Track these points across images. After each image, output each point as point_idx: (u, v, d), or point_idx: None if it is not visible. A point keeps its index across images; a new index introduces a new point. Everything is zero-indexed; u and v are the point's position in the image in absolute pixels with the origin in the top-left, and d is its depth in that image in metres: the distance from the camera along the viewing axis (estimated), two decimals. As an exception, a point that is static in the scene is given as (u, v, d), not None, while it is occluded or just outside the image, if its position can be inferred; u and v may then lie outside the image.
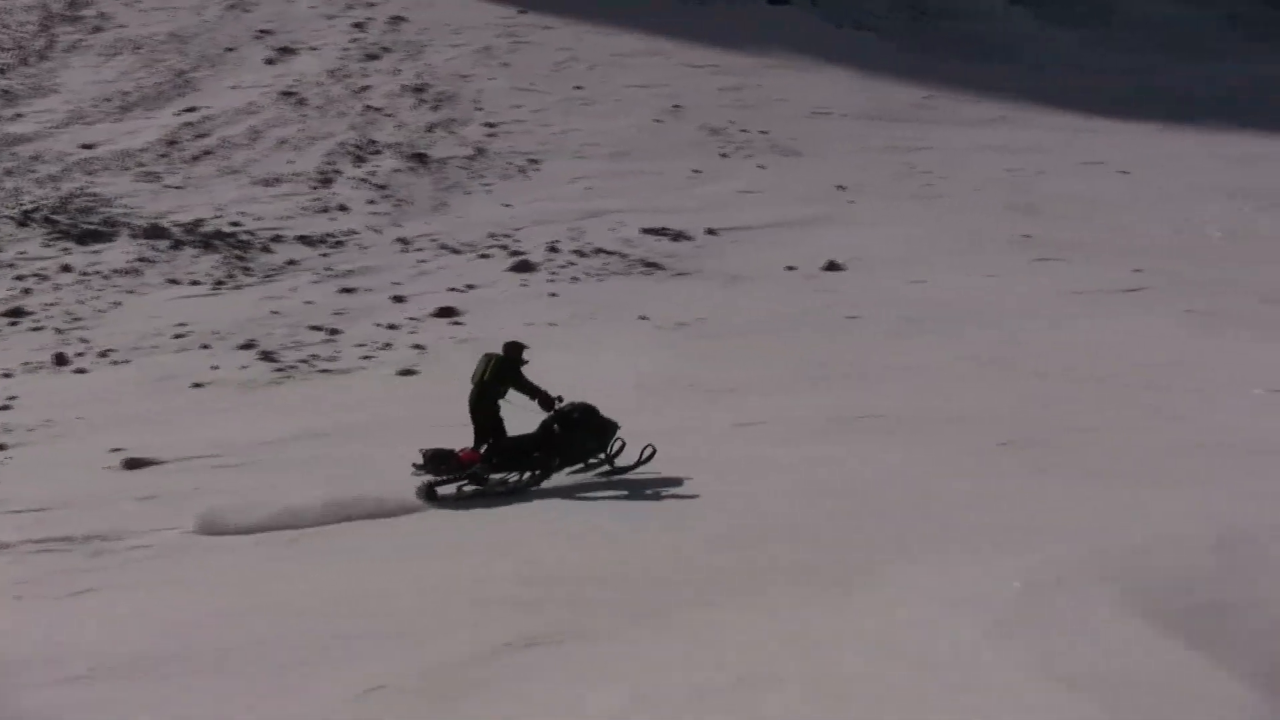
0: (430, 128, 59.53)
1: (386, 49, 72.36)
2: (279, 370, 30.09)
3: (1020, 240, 44.70)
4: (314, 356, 31.02)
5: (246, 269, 39.53)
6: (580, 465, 19.21)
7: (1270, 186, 58.04)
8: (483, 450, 18.63)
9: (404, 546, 16.14)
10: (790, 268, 39.95)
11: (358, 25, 74.86)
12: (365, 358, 30.78)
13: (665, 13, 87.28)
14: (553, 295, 36.71)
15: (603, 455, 18.93)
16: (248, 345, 31.84)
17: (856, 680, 9.79)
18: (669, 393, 24.56)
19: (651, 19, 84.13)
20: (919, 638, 10.39)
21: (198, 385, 28.72)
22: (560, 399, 18.80)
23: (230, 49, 69.95)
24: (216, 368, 30.02)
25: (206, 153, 54.19)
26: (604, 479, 19.08)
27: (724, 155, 59.16)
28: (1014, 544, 12.91)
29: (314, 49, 70.64)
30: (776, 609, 11.86)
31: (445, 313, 34.71)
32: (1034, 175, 58.73)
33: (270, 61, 68.59)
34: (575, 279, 38.85)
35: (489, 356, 19.07)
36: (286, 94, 62.87)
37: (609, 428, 18.79)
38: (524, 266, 39.78)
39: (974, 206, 51.69)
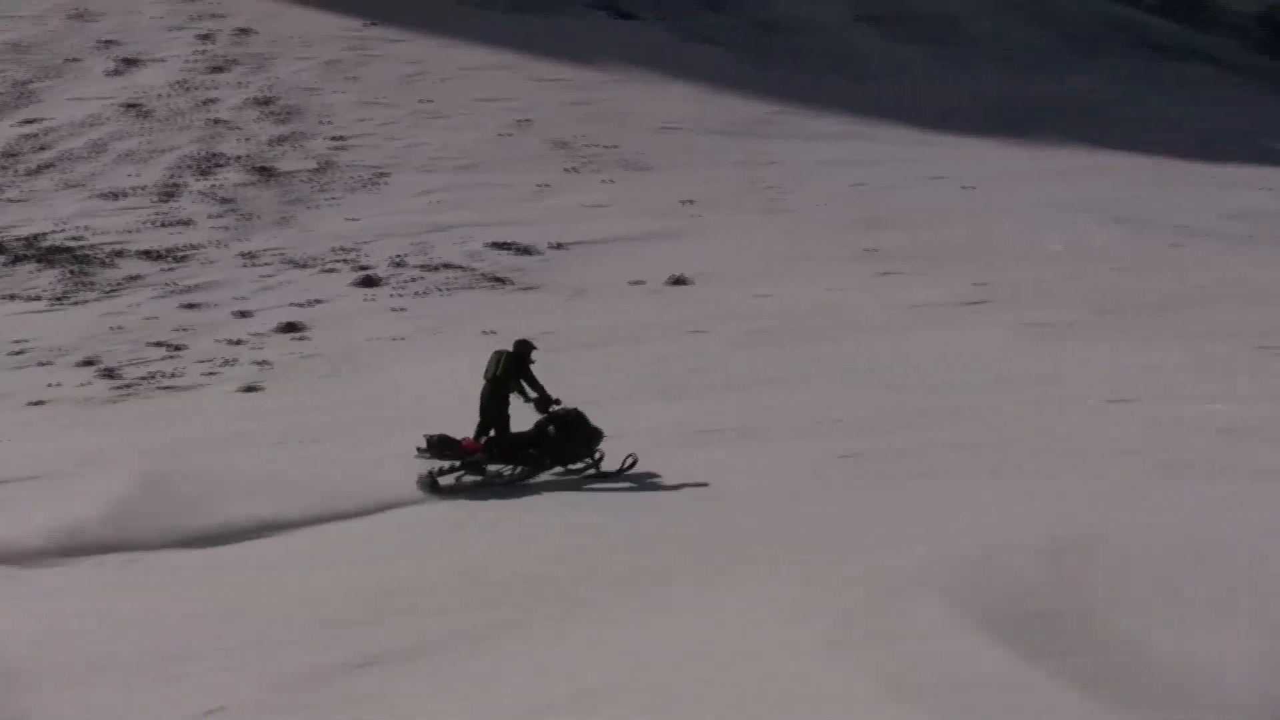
0: (276, 141, 59.06)
1: (233, 61, 71.68)
2: (120, 387, 29.65)
3: (866, 254, 45.20)
4: (156, 373, 30.60)
5: (88, 284, 38.97)
6: (565, 467, 19.40)
7: (1101, 199, 59.30)
8: (483, 441, 18.88)
9: (261, 561, 15.95)
10: (637, 282, 40.11)
11: (203, 37, 74.08)
12: (208, 374, 30.41)
13: (513, 26, 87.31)
14: (399, 310, 36.54)
15: (589, 460, 19.10)
16: (88, 362, 31.37)
17: (693, 692, 9.79)
18: (514, 407, 24.50)
19: (499, 32, 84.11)
20: (757, 648, 10.40)
21: (36, 403, 28.19)
22: (558, 401, 18.99)
23: (72, 60, 68.89)
24: (56, 385, 29.48)
25: (47, 165, 53.41)
26: (561, 478, 19.28)
27: (572, 169, 59.25)
28: (852, 553, 13.00)
29: (159, 60, 69.78)
30: (617, 621, 11.82)
31: (290, 328, 34.46)
32: (879, 189, 59.42)
33: (113, 73, 67.62)
34: (421, 293, 38.72)
35: (500, 353, 19.28)
36: (130, 106, 62.02)
37: (597, 435, 18.97)
38: (370, 281, 39.62)
39: (820, 220, 52.21)
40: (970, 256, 45.44)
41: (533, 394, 18.97)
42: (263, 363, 31.01)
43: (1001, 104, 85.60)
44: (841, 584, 11.48)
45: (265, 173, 53.88)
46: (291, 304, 36.97)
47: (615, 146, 64.04)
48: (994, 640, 9.69)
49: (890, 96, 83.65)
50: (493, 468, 19.04)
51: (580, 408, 19.07)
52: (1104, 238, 50.79)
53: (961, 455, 18.90)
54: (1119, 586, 10.87)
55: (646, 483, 18.30)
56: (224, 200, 49.80)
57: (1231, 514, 13.37)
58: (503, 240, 44.80)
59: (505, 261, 42.76)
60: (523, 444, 18.97)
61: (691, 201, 54.09)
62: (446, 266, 41.54)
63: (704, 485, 17.83)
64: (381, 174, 55.13)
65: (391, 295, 38.46)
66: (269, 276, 40.49)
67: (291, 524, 17.09)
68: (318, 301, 37.27)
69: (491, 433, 18.91)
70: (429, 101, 68.48)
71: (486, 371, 19.23)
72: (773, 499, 16.63)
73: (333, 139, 59.83)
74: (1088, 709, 8.59)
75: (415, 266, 41.16)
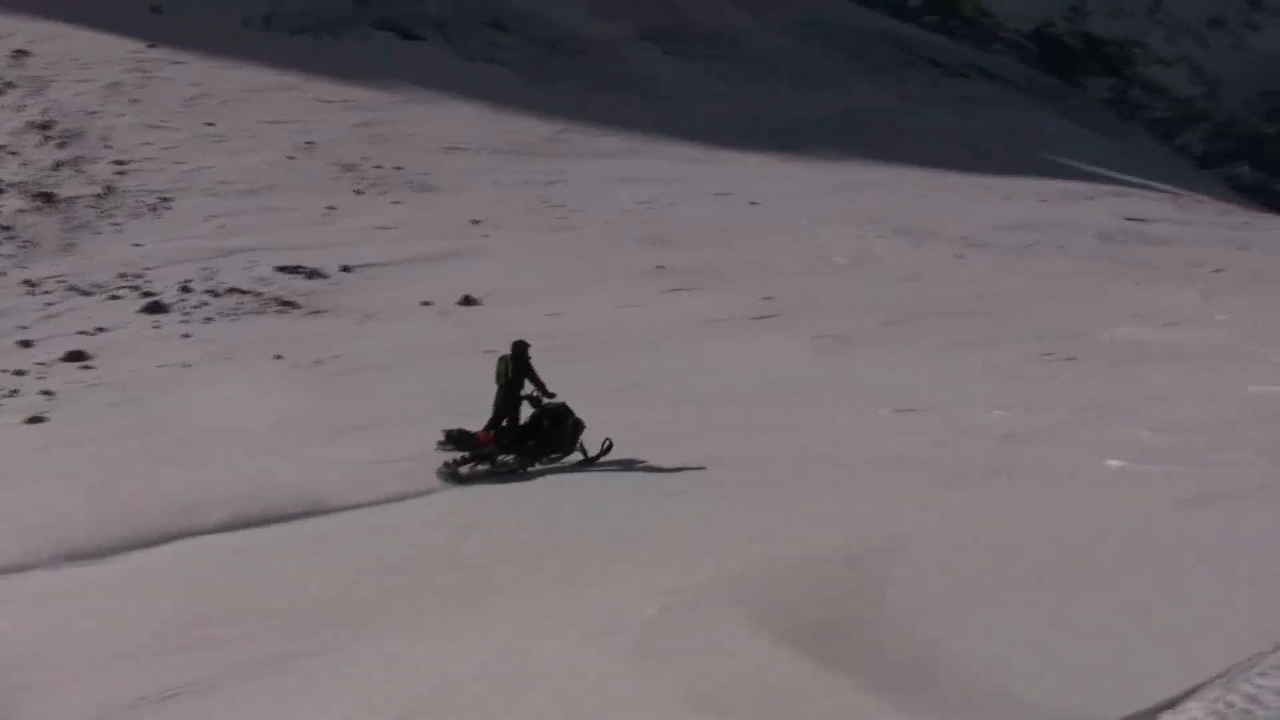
0: (57, 166, 57.86)
1: (9, 84, 70.10)
2: (-104, 421, 28.86)
3: (654, 271, 45.57)
4: (-64, 406, 29.83)
5: None
6: (554, 456, 21.11)
7: (885, 212, 60.57)
8: (493, 434, 20.70)
9: (49, 594, 15.69)
10: (426, 303, 40.05)
11: (-23, 60, 72.38)
12: (-9, 406, 29.69)
13: (297, 47, 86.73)
14: (186, 336, 36.04)
15: (579, 451, 20.84)
16: None
17: (498, 708, 9.86)
18: (306, 431, 24.36)
19: (283, 54, 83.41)
20: (558, 667, 10.43)
21: None
22: (553, 395, 20.77)
23: None
24: None
25: None
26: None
27: (358, 191, 58.96)
28: (651, 567, 13.10)
29: (-69, 84, 68.13)
30: (415, 642, 11.77)
31: (75, 357, 33.79)
32: (666, 206, 59.98)
33: (-119, 97, 65.93)
34: (209, 319, 38.23)
35: (504, 359, 21.03)
36: (-101, 133, 60.44)
37: (579, 426, 20.77)
38: (156, 307, 39.02)
39: (608, 238, 52.56)
40: (758, 271, 46.06)
41: (536, 391, 20.77)
42: (47, 392, 30.36)
43: (785, 120, 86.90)
44: (642, 598, 11.57)
45: (46, 198, 52.78)
46: (77, 332, 36.30)
47: (402, 168, 63.85)
48: (793, 650, 9.86)
49: (675, 114, 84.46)
50: (501, 458, 20.68)
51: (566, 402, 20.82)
52: (889, 250, 51.86)
53: (757, 467, 19.22)
54: (914, 592, 11.15)
55: (441, 503, 18.41)
56: (3, 227, 48.73)
57: (1019, 517, 13.83)
58: (291, 264, 44.39)
59: (294, 285, 42.41)
60: (524, 436, 20.82)
61: (479, 221, 54.14)
62: (234, 291, 41.06)
63: (498, 504, 17.96)
64: (166, 199, 54.28)
65: (179, 321, 37.93)
66: (53, 304, 39.73)
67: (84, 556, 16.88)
68: (103, 329, 36.65)
69: (504, 423, 20.75)
70: (212, 124, 67.62)
71: (498, 377, 21.03)
72: (570, 516, 16.79)
73: (115, 163, 58.77)
74: (884, 714, 8.87)
75: (202, 292, 40.64)
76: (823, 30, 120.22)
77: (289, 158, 63.27)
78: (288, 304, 40.41)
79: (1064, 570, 11.41)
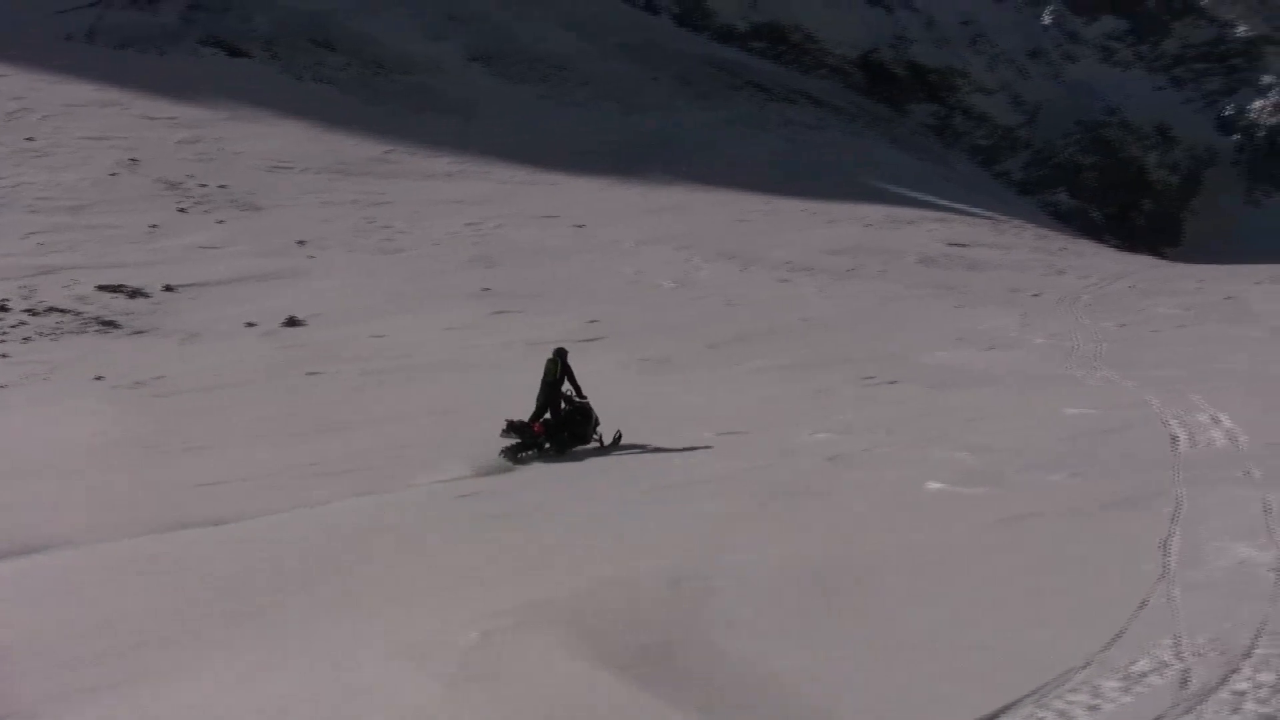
0: None
1: None
2: None
3: (480, 293, 45.67)
4: None
5: None
6: (579, 444, 24.08)
7: (711, 235, 61.28)
8: (542, 424, 23.71)
9: None
10: (250, 324, 39.75)
11: None
12: None
13: (121, 63, 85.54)
14: (3, 356, 35.35)
15: (596, 440, 23.99)
16: None
17: None
18: (127, 453, 24.06)
19: (106, 68, 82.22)
20: (381, 690, 10.41)
21: None
22: (585, 397, 24.17)
23: None
24: None
25: None
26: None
27: (182, 210, 58.28)
28: (474, 590, 13.05)
29: None
30: (243, 658, 11.71)
31: (-112, 377, 33.11)
32: (493, 228, 60.10)
33: None
34: (28, 339, 37.53)
35: (552, 361, 24.15)
36: None
37: (598, 422, 24.07)
38: (-28, 327, 38.33)
39: (435, 260, 52.58)
40: (584, 294, 46.37)
41: (571, 391, 24.10)
42: None
43: (612, 143, 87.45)
44: (466, 622, 11.54)
45: None
46: (-109, 353, 35.54)
47: (226, 186, 63.31)
48: (614, 673, 9.90)
49: (503, 136, 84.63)
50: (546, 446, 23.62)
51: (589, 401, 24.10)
52: (714, 273, 52.48)
53: (576, 490, 19.37)
54: (735, 613, 11.16)
55: (269, 526, 18.29)
56: None
57: (840, 539, 14.07)
58: (113, 283, 43.75)
59: (115, 305, 41.82)
60: (560, 428, 23.75)
61: (305, 241, 53.90)
62: (54, 311, 40.38)
63: (315, 526, 17.85)
64: (-17, 215, 53.33)
65: (-4, 341, 37.28)
66: None
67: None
68: (-82, 350, 35.91)
69: (547, 415, 23.77)
70: (32, 139, 66.46)
71: (546, 375, 23.99)
72: (392, 539, 16.75)
73: (-69, 178, 57.65)
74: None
75: (21, 311, 39.89)
76: (651, 54, 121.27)
77: (111, 174, 62.36)
78: (109, 324, 39.84)
79: (883, 591, 11.58)
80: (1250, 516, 12.68)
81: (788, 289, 49.95)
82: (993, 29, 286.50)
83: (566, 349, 24.78)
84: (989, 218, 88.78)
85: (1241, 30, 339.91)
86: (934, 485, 16.39)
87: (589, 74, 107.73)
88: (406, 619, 12.22)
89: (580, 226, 61.62)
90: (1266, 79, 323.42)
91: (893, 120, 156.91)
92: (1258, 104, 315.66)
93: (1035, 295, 49.76)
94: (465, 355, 35.59)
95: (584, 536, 15.44)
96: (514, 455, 22.99)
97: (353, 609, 13.15)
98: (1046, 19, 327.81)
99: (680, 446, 22.38)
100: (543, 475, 21.02)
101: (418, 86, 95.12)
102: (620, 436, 23.95)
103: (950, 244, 66.86)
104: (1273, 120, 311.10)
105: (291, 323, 40.06)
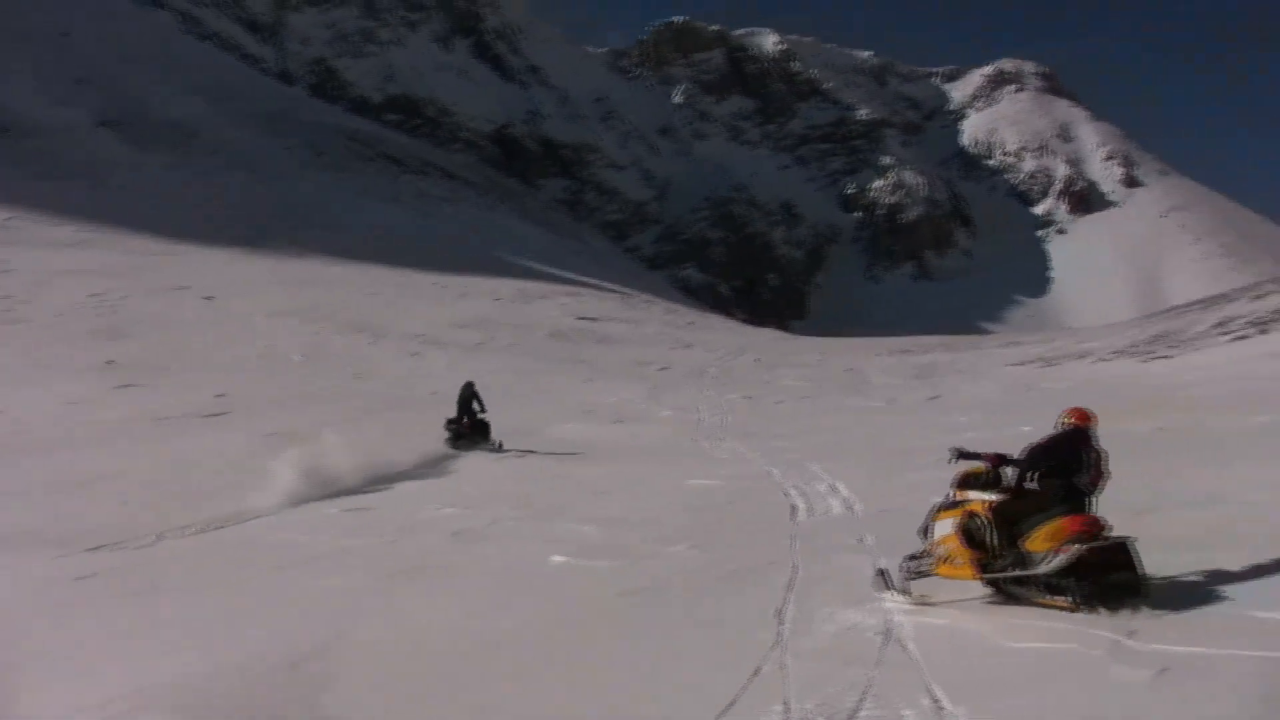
0: None
1: None
2: None
3: (104, 366, 44.60)
4: None
5: None
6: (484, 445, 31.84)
7: (342, 307, 61.13)
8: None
9: None
10: None
11: None
12: None
13: None
14: None
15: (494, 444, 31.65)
16: None
17: None
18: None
19: None
20: None
21: None
22: (485, 411, 32.82)
23: None
24: None
25: None
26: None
27: None
28: (83, 677, 12.65)
29: None
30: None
31: None
32: (118, 300, 58.77)
33: None
34: None
35: (465, 388, 33.22)
36: None
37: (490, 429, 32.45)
38: None
39: (56, 332, 51.20)
40: (213, 367, 45.81)
41: (478, 408, 32.89)
42: None
43: (242, 215, 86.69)
44: (73, 711, 11.20)
45: None
46: None
47: None
48: None
49: (131, 204, 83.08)
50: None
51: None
52: (344, 345, 52.38)
53: (203, 565, 18.98)
54: (354, 695, 11.02)
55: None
56: None
57: (463, 615, 14.04)
58: None
59: None
60: (474, 432, 32.42)
61: (-86, 311, 51.99)
62: None
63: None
64: None
65: None
66: None
67: None
68: None
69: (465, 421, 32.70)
70: None
71: (461, 395, 32.99)
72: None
73: None
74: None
75: None
76: (283, 123, 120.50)
77: None
78: None
79: (501, 670, 11.69)
80: (861, 582, 13.21)
81: (418, 362, 50.18)
82: (624, 105, 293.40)
83: (474, 381, 33.99)
84: (620, 292, 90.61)
85: (863, 113, 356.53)
86: (558, 558, 16.55)
87: (219, 142, 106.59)
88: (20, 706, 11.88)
89: (209, 298, 60.75)
90: (886, 159, 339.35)
91: (526, 194, 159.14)
92: (877, 183, 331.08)
93: (663, 369, 51.11)
94: (85, 430, 34.53)
95: (201, 613, 15.11)
96: (454, 444, 31.54)
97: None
98: (678, 97, 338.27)
99: (301, 521, 22.10)
100: (163, 550, 20.51)
101: (41, 152, 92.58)
102: (501, 444, 31.42)
103: (580, 318, 68.14)
104: (891, 199, 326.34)
105: (-105, 396, 38.49)
